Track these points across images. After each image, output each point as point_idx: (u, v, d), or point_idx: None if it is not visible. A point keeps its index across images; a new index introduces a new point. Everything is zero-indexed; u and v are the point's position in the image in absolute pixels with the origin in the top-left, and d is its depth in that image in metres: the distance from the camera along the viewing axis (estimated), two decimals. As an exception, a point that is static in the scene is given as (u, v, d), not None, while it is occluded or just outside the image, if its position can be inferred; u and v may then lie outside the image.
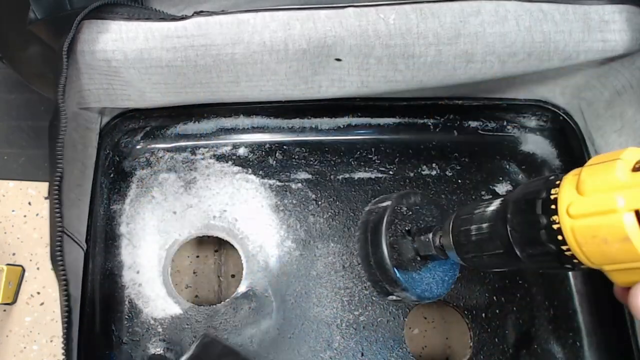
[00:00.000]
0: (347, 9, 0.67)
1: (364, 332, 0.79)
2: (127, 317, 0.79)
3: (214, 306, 0.80)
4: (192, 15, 0.66)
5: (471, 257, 0.46)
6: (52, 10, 0.66)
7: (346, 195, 0.85)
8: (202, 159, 0.85)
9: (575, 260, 0.38)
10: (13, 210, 0.89)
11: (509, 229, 0.41)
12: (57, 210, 0.57)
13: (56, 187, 0.57)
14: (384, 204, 0.52)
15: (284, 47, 0.67)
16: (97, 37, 0.66)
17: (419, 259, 0.51)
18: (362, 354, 0.78)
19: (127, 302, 0.80)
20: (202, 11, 0.66)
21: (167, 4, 0.70)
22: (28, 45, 0.76)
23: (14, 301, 0.84)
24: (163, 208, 0.84)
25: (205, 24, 0.66)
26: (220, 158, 0.86)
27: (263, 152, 0.86)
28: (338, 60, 0.69)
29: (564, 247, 0.38)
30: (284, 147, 0.86)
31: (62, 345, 0.56)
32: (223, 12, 0.66)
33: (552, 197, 0.38)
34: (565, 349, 0.79)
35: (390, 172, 0.85)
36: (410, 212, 0.52)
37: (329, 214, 0.84)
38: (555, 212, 0.38)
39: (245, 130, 0.86)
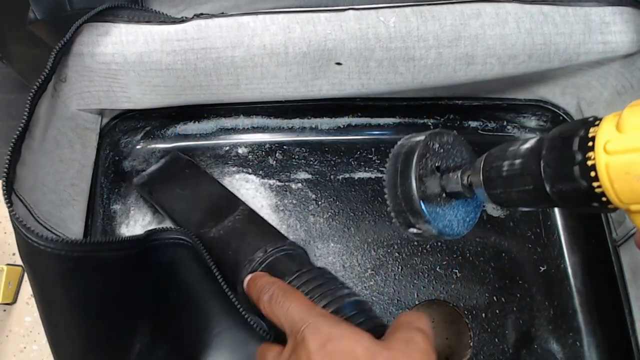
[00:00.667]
0: (347, 12, 0.67)
1: (364, 332, 0.79)
2: (127, 317, 0.79)
3: (214, 306, 0.80)
4: (192, 18, 0.66)
5: (499, 193, 0.46)
6: (52, 10, 0.66)
7: (346, 195, 0.85)
8: (202, 159, 0.85)
9: (604, 199, 0.38)
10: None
11: (542, 164, 0.42)
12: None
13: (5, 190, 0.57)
14: (417, 139, 0.52)
15: (284, 51, 0.67)
16: (97, 40, 0.66)
17: (444, 195, 0.52)
18: (362, 354, 0.78)
19: (127, 302, 0.80)
20: (202, 14, 0.66)
21: (167, 5, 0.70)
22: (28, 45, 0.76)
23: (14, 301, 0.84)
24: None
25: (205, 27, 0.66)
26: (220, 158, 0.85)
27: (263, 152, 0.86)
28: (338, 64, 0.69)
29: (595, 184, 0.38)
30: (284, 147, 0.86)
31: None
32: (223, 15, 0.66)
33: (590, 135, 0.39)
34: (565, 349, 0.79)
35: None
36: (442, 150, 0.53)
37: (329, 214, 0.84)
38: (592, 149, 0.38)
39: (245, 130, 0.86)
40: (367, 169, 0.86)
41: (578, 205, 0.41)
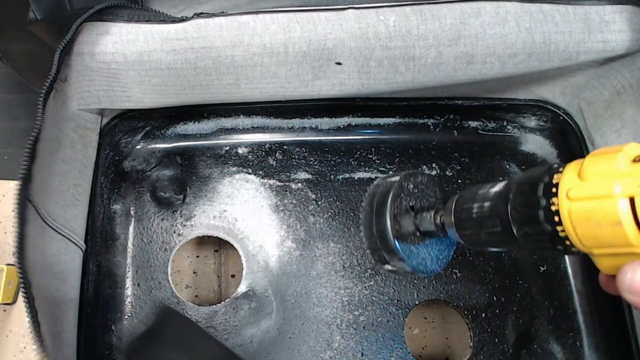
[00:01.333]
0: (347, 11, 0.67)
1: (364, 332, 0.79)
2: (127, 317, 0.79)
3: (214, 306, 0.80)
4: (192, 17, 0.66)
5: (469, 234, 0.48)
6: (52, 10, 0.66)
7: (346, 195, 0.85)
8: (202, 159, 0.85)
9: (567, 242, 0.40)
10: (13, 210, 0.89)
11: (509, 208, 0.43)
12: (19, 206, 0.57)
13: (20, 191, 0.57)
14: (392, 179, 0.54)
15: (284, 50, 0.67)
16: (97, 39, 0.66)
17: (418, 234, 0.53)
18: (362, 354, 0.78)
19: (127, 302, 0.80)
20: (202, 13, 0.66)
21: (167, 4, 0.70)
22: (28, 45, 0.76)
23: (14, 301, 0.84)
24: (163, 207, 0.84)
25: (205, 26, 0.66)
26: (220, 158, 0.86)
27: (263, 152, 0.86)
28: (338, 64, 0.69)
29: (559, 228, 0.40)
30: (284, 147, 0.86)
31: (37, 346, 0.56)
32: (223, 14, 0.66)
33: (554, 181, 0.40)
34: (565, 349, 0.79)
35: (390, 172, 0.85)
36: (416, 190, 0.54)
37: (329, 214, 0.84)
38: (555, 194, 0.40)
39: (245, 130, 0.86)
40: (367, 169, 0.86)
41: (544, 247, 0.42)
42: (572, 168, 0.40)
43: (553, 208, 0.40)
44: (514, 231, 0.43)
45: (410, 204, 0.54)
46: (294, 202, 0.84)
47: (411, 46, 0.67)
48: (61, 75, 0.67)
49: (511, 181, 0.45)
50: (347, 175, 0.85)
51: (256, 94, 0.74)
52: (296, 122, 0.86)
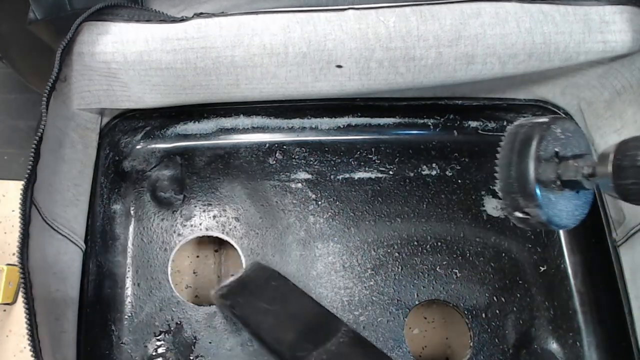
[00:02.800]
0: (347, 12, 0.67)
1: (364, 332, 0.79)
2: (127, 317, 0.79)
3: (214, 306, 0.80)
4: (192, 17, 0.66)
5: (629, 184, 0.45)
6: (52, 10, 0.66)
7: (346, 195, 0.85)
8: (202, 159, 0.85)
9: None
10: (13, 210, 0.89)
11: None
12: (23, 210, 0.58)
13: (24, 190, 0.58)
14: (540, 120, 0.51)
15: (284, 50, 0.67)
16: (97, 39, 0.66)
17: (559, 183, 0.50)
18: (362, 354, 0.78)
19: (127, 302, 0.80)
20: (202, 13, 0.66)
21: (167, 4, 0.70)
22: (28, 45, 0.76)
23: (14, 301, 0.84)
24: (163, 207, 0.84)
25: (205, 26, 0.66)
26: (220, 158, 0.86)
27: (263, 152, 0.86)
28: (339, 67, 0.69)
29: None
30: (284, 147, 0.86)
31: (30, 348, 0.56)
32: (223, 14, 0.66)
33: None
34: (565, 349, 0.79)
35: (390, 172, 0.85)
36: (563, 136, 0.51)
37: (329, 214, 0.84)
38: None
39: (245, 130, 0.86)
40: (367, 169, 0.86)
41: None
42: None
43: None
44: None
45: (556, 149, 0.50)
46: (294, 202, 0.84)
47: (411, 47, 0.67)
48: (61, 75, 0.67)
49: None
50: (347, 175, 0.85)
51: (256, 94, 0.74)
52: (296, 122, 0.86)
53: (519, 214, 0.51)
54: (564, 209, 0.51)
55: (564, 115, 0.51)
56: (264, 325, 0.67)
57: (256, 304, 0.68)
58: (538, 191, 0.49)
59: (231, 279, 0.75)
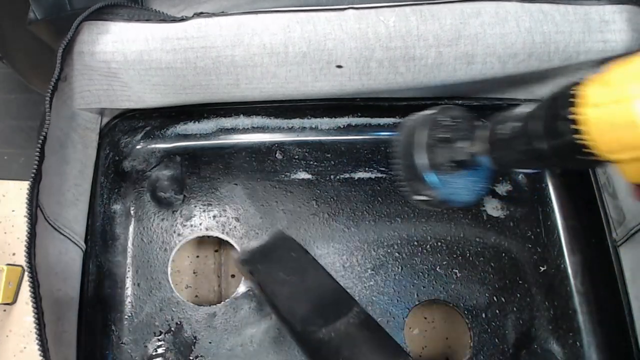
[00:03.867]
0: (347, 12, 0.67)
1: (364, 332, 0.79)
2: (127, 317, 0.79)
3: (214, 306, 0.80)
4: (192, 17, 0.66)
5: (501, 156, 0.50)
6: (52, 10, 0.66)
7: (346, 195, 0.85)
8: (202, 159, 0.85)
9: (592, 151, 0.42)
10: (13, 210, 0.89)
11: (537, 124, 0.46)
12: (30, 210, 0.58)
13: (30, 190, 0.58)
14: (429, 112, 0.56)
15: (284, 50, 0.67)
16: (97, 39, 0.66)
17: (453, 164, 0.55)
18: (362, 354, 0.78)
19: (127, 302, 0.80)
20: (202, 12, 0.66)
21: (167, 4, 0.70)
22: (28, 45, 0.76)
23: (14, 301, 0.84)
24: (163, 208, 0.84)
25: (205, 26, 0.66)
26: (220, 158, 0.85)
27: (263, 152, 0.86)
28: (339, 67, 0.69)
29: (582, 137, 0.41)
30: (284, 147, 0.86)
31: (38, 347, 0.56)
32: (223, 14, 0.66)
33: (576, 92, 0.42)
34: (565, 349, 0.79)
35: (390, 172, 0.85)
36: (453, 123, 0.56)
37: (329, 214, 0.84)
38: (578, 104, 0.41)
39: (245, 130, 0.86)
40: (367, 169, 0.86)
41: (571, 160, 0.45)
42: (594, 79, 0.41)
43: (576, 117, 0.41)
44: (541, 146, 0.46)
45: (447, 135, 0.55)
46: (294, 202, 0.84)
47: (411, 46, 0.67)
48: (62, 75, 0.67)
49: (540, 101, 0.47)
50: (347, 175, 0.85)
51: (256, 94, 0.74)
52: (296, 122, 0.86)
53: (419, 197, 0.56)
54: (463, 187, 0.56)
55: (452, 105, 0.56)
56: (280, 295, 0.67)
57: (275, 273, 0.69)
58: (432, 176, 0.54)
59: (253, 244, 0.75)
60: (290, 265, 0.70)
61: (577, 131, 0.41)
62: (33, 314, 0.56)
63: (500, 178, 0.85)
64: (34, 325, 0.56)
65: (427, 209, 0.56)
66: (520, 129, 0.48)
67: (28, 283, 0.56)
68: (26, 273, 0.57)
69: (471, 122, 0.56)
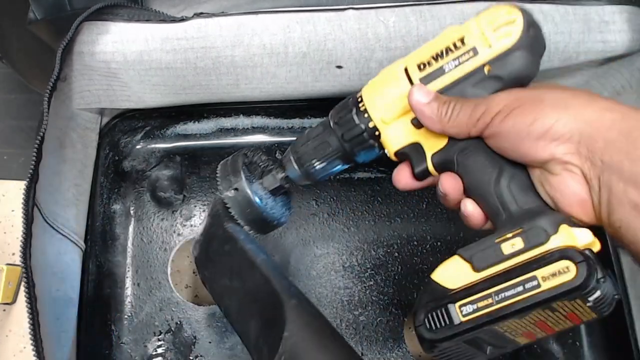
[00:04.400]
0: (347, 12, 0.67)
1: (364, 332, 0.79)
2: (127, 317, 0.79)
3: (214, 306, 0.80)
4: (192, 17, 0.66)
5: (312, 165, 0.57)
6: (52, 10, 0.66)
7: (346, 195, 0.85)
8: (203, 159, 0.85)
9: (377, 133, 0.54)
10: (13, 210, 0.89)
11: (332, 125, 0.56)
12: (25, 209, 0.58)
13: (27, 190, 0.58)
14: (234, 162, 0.62)
15: (284, 50, 0.67)
16: (97, 39, 0.66)
17: (269, 195, 0.61)
18: (362, 354, 0.78)
19: (127, 302, 0.80)
20: (202, 13, 0.66)
21: (167, 4, 0.70)
22: (28, 45, 0.76)
23: (14, 301, 0.84)
24: (163, 207, 0.84)
25: (205, 26, 0.66)
26: (220, 158, 0.85)
27: (263, 152, 0.86)
28: (339, 67, 0.69)
29: (369, 122, 0.53)
30: (284, 147, 0.86)
31: (32, 347, 0.56)
32: (223, 14, 0.66)
33: (358, 95, 0.55)
34: (565, 349, 0.79)
35: (390, 172, 0.85)
36: (261, 163, 0.63)
37: (329, 214, 0.84)
38: (361, 100, 0.54)
39: (245, 130, 0.86)
40: (367, 169, 0.86)
41: (365, 146, 0.55)
42: (368, 85, 0.55)
43: (361, 108, 0.54)
44: (342, 143, 0.55)
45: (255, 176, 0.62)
46: (294, 202, 0.84)
47: (411, 47, 0.67)
48: (61, 75, 0.67)
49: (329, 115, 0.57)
50: (347, 175, 0.85)
51: (256, 94, 0.74)
52: (296, 122, 0.86)
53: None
54: (281, 210, 0.63)
55: (257, 150, 0.64)
56: (231, 310, 0.63)
57: (220, 279, 0.65)
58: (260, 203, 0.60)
59: (199, 229, 0.69)
60: (229, 265, 0.64)
61: (367, 118, 0.53)
62: (27, 314, 0.56)
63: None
64: (29, 325, 0.56)
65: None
66: (321, 137, 0.57)
67: (23, 283, 0.57)
68: (22, 273, 0.57)
69: (265, 157, 0.64)
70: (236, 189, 0.59)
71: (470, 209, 0.49)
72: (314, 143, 0.57)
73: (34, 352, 0.55)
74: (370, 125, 0.53)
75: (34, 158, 0.58)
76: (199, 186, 0.85)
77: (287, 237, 0.83)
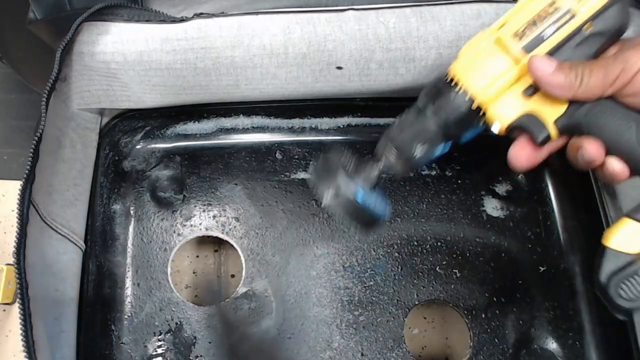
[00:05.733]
0: (347, 13, 0.67)
1: (364, 332, 0.79)
2: (127, 317, 0.79)
3: (214, 306, 0.80)
4: (192, 18, 0.66)
5: (415, 153, 0.56)
6: (52, 10, 0.66)
7: (346, 195, 0.85)
8: (202, 159, 0.85)
9: (474, 106, 0.53)
10: (13, 210, 0.89)
11: (427, 112, 0.55)
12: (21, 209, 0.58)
13: (22, 190, 0.58)
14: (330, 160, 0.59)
15: (284, 51, 0.67)
16: (97, 39, 0.66)
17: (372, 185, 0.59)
18: (362, 354, 0.78)
19: (127, 302, 0.80)
20: (202, 13, 0.66)
21: (167, 4, 0.70)
22: (28, 45, 0.76)
23: (14, 301, 0.84)
24: (163, 207, 0.84)
25: (205, 27, 0.66)
26: (220, 158, 0.85)
27: (263, 152, 0.86)
28: (339, 68, 0.69)
29: (466, 96, 0.53)
30: (284, 147, 0.86)
31: (24, 349, 0.56)
32: (223, 15, 0.66)
33: (449, 73, 0.55)
34: (565, 349, 0.79)
35: (390, 172, 0.85)
36: (349, 164, 0.59)
37: (329, 214, 0.84)
38: (450, 81, 0.54)
39: (245, 130, 0.86)
40: (367, 169, 0.86)
41: (469, 126, 0.55)
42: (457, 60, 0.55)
43: (457, 89, 0.53)
44: (441, 125, 0.55)
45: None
46: (294, 202, 0.84)
47: (411, 48, 0.67)
48: (61, 75, 0.67)
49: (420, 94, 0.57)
50: (346, 175, 0.85)
51: (256, 95, 0.74)
52: (296, 122, 0.86)
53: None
54: (383, 204, 0.60)
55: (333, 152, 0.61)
56: None
57: None
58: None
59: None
60: None
61: (450, 84, 0.54)
62: (19, 315, 0.56)
63: (500, 178, 0.85)
64: (20, 326, 0.56)
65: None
66: (414, 118, 0.57)
67: (16, 283, 0.57)
68: (15, 273, 0.57)
69: (348, 154, 0.61)
70: (337, 194, 0.57)
71: (618, 166, 0.50)
72: (411, 131, 0.56)
73: (25, 354, 0.55)
74: (474, 105, 0.53)
75: (31, 158, 0.59)
76: (199, 186, 0.85)
77: (287, 237, 0.83)
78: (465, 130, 0.55)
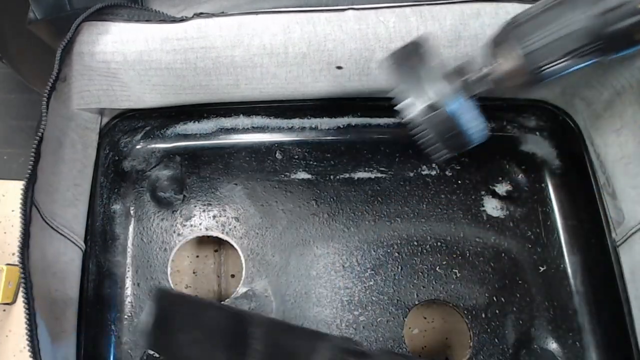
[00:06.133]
0: (347, 12, 0.67)
1: (363, 332, 0.79)
2: (127, 317, 0.79)
3: (214, 306, 0.80)
4: (192, 17, 0.66)
5: (550, 65, 0.45)
6: (52, 10, 0.66)
7: (346, 195, 0.85)
8: (202, 159, 0.85)
9: None
10: (13, 210, 0.89)
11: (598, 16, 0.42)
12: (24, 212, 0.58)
13: (25, 190, 0.58)
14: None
15: (284, 51, 0.67)
16: (97, 39, 0.66)
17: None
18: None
19: (127, 302, 0.80)
20: (202, 13, 0.66)
21: (167, 4, 0.70)
22: (28, 45, 0.76)
23: (14, 301, 0.84)
24: (163, 207, 0.84)
25: (205, 26, 0.66)
26: (220, 158, 0.85)
27: (263, 152, 0.86)
28: (339, 68, 0.69)
29: None
30: (284, 147, 0.86)
31: (29, 348, 0.56)
32: (223, 14, 0.66)
33: None
34: (565, 349, 0.79)
35: (390, 172, 0.85)
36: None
37: (329, 214, 0.84)
38: None
39: (245, 130, 0.86)
40: (367, 169, 0.86)
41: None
42: None
43: None
44: (602, 28, 0.43)
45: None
46: (294, 202, 0.84)
47: (411, 47, 0.67)
48: (61, 75, 0.67)
49: None
50: (347, 175, 0.85)
51: (256, 94, 0.74)
52: (296, 122, 0.86)
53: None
54: (480, 119, 0.52)
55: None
56: (193, 357, 0.60)
57: (176, 340, 0.60)
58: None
59: (143, 318, 0.65)
60: (182, 322, 0.61)
61: None
62: (25, 315, 0.56)
63: (500, 178, 0.85)
64: (26, 326, 0.56)
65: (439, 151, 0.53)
66: (572, 23, 0.44)
67: (21, 284, 0.56)
68: (20, 273, 0.57)
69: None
70: (433, 106, 0.49)
71: None
72: (552, 33, 0.44)
73: (30, 353, 0.55)
74: None
75: (32, 158, 0.59)
76: (199, 186, 0.85)
77: (287, 237, 0.83)
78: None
